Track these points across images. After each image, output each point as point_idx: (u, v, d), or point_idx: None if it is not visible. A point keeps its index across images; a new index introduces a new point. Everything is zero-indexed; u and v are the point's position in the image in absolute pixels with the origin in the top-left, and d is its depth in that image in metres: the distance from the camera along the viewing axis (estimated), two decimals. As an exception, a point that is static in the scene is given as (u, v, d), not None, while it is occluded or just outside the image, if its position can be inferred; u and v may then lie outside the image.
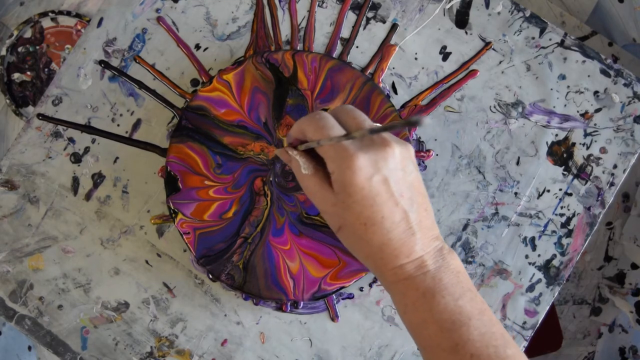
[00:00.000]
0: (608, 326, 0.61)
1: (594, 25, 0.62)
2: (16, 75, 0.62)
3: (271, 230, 0.46)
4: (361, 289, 0.47)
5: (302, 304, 0.47)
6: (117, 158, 0.49)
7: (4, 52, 0.62)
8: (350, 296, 0.47)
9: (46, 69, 0.63)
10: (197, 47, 0.49)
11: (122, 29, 0.49)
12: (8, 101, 0.62)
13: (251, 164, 0.47)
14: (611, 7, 0.61)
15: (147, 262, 0.48)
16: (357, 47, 0.48)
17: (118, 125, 0.49)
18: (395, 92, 0.48)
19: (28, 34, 0.63)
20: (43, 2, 0.64)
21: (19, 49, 0.62)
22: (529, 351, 0.59)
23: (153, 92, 0.49)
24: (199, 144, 0.47)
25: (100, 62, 0.49)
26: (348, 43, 0.48)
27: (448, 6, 0.48)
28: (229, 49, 0.49)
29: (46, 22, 0.63)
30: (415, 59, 0.48)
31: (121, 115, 0.49)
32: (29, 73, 0.62)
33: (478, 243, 0.47)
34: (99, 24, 0.49)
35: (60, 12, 0.63)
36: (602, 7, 0.61)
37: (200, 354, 0.47)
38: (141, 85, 0.49)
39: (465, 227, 0.47)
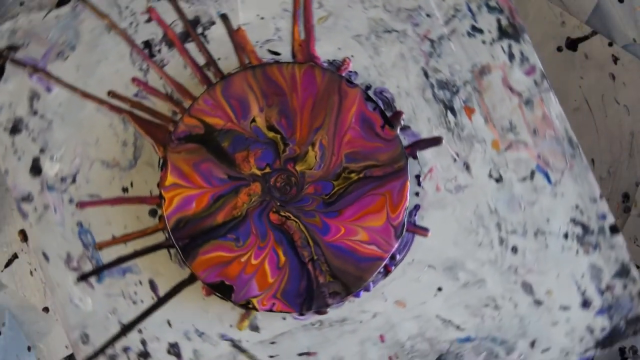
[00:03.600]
0: None
1: (594, 25, 0.62)
2: None
3: (320, 233, 0.46)
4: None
5: (397, 252, 0.47)
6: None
7: None
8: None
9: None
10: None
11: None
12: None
13: (252, 209, 0.47)
14: (611, 7, 0.61)
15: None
16: (219, 59, 0.49)
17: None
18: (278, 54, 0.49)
19: None
20: None
21: None
22: None
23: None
24: (207, 243, 0.47)
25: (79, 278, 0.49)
26: (210, 65, 0.49)
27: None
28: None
29: None
30: (262, 18, 0.49)
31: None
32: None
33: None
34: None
35: None
36: (602, 7, 0.61)
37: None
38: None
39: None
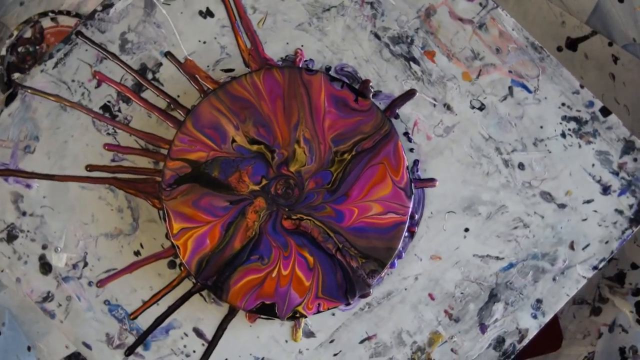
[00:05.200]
0: (608, 326, 0.62)
1: (594, 25, 0.62)
2: (16, 75, 0.61)
3: (336, 221, 0.47)
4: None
5: (415, 212, 0.48)
6: None
7: (4, 52, 0.62)
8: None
9: (49, 76, 0.62)
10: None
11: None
12: (10, 103, 0.62)
13: (264, 224, 0.47)
14: (611, 7, 0.61)
15: (336, 352, 0.48)
16: (178, 96, 0.48)
17: None
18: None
19: (28, 34, 0.63)
20: (43, 2, 0.63)
21: (19, 49, 0.62)
22: (528, 351, 0.60)
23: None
24: (234, 272, 0.46)
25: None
26: (172, 105, 0.49)
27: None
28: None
29: (46, 22, 0.63)
30: (205, 42, 0.49)
31: None
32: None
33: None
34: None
35: (60, 12, 0.63)
36: (602, 7, 0.62)
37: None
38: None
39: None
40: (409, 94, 0.48)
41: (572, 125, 0.48)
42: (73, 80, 0.48)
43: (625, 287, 0.61)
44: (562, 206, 0.47)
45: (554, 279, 0.47)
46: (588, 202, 0.47)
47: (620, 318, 0.60)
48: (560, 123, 0.48)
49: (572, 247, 0.47)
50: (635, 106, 0.63)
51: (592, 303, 0.62)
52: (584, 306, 0.63)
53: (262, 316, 0.47)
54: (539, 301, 0.48)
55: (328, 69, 0.48)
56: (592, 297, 0.63)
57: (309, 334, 0.48)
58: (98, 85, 0.48)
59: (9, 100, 0.48)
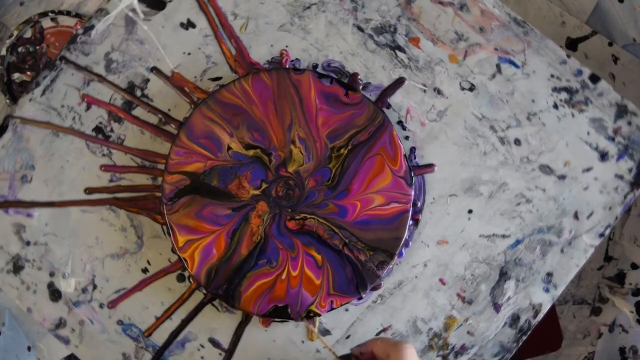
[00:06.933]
0: (608, 326, 0.63)
1: (594, 25, 0.62)
2: (16, 75, 0.62)
3: (340, 217, 0.47)
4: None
5: (417, 199, 0.48)
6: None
7: (4, 52, 0.63)
8: (413, 149, 0.48)
9: (50, 75, 0.63)
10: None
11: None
12: (8, 101, 0.63)
13: (269, 228, 0.47)
14: (611, 7, 0.61)
15: None
16: (169, 110, 0.48)
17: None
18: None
19: (28, 34, 0.63)
20: (43, 2, 0.64)
21: (19, 49, 0.63)
22: (528, 351, 0.60)
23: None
24: (244, 278, 0.46)
25: None
26: (164, 119, 0.48)
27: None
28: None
29: (46, 22, 0.64)
30: (189, 54, 0.49)
31: None
32: (29, 73, 0.63)
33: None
34: None
35: (60, 12, 0.64)
36: (602, 7, 0.62)
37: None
38: None
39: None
40: (398, 83, 0.48)
41: (563, 95, 0.48)
42: (62, 106, 0.48)
43: (625, 287, 0.61)
44: (562, 177, 0.48)
45: (562, 251, 0.48)
46: (587, 170, 0.48)
47: (620, 318, 0.60)
48: (551, 95, 0.48)
49: (576, 217, 0.48)
50: (636, 106, 0.63)
51: (592, 303, 0.63)
52: (584, 306, 0.63)
53: (276, 319, 0.47)
54: (549, 274, 0.48)
55: (315, 66, 0.48)
56: (592, 297, 0.63)
57: (325, 332, 0.48)
58: (88, 108, 0.48)
59: (0, 132, 0.48)
